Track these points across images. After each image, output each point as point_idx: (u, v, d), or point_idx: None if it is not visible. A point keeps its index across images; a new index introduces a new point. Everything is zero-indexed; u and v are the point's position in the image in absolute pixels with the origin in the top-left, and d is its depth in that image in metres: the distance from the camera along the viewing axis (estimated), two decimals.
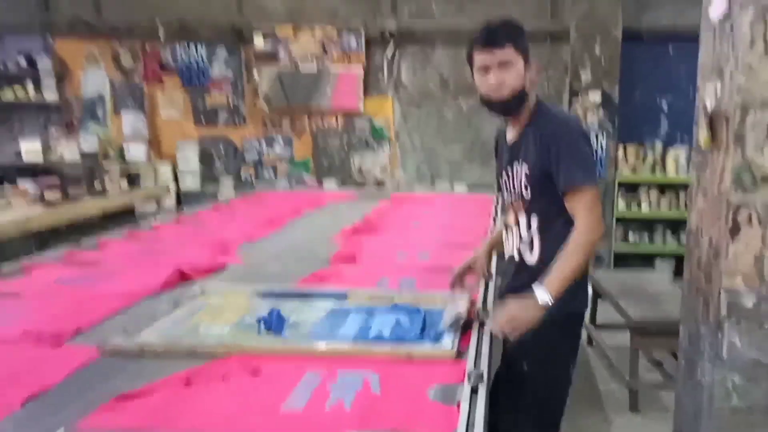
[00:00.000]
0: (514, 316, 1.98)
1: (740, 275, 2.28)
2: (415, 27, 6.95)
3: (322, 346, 1.90)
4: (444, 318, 2.07)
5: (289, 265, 3.01)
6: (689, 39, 6.67)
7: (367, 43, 6.99)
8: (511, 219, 2.27)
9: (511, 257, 2.31)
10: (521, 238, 2.22)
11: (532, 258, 2.21)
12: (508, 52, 2.04)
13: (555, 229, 2.12)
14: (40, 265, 2.92)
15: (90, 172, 4.97)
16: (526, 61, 2.08)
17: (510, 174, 2.23)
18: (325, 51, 6.98)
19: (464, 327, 2.08)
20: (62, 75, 7.04)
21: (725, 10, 2.27)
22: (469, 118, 7.10)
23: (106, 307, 2.23)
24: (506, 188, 2.28)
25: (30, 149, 5.23)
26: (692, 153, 2.66)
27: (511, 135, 2.26)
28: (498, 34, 2.05)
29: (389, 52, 7.03)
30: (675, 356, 4.14)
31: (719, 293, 2.32)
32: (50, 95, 6.93)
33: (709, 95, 2.37)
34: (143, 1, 6.74)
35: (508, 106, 2.12)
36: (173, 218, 4.11)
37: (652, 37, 6.80)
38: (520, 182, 2.17)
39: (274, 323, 2.04)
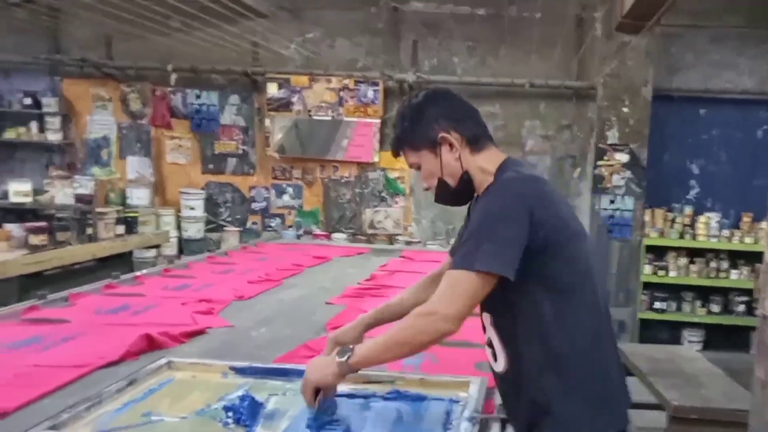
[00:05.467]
0: (309, 370, 1.68)
1: None
2: (435, 80, 6.71)
3: None
4: None
5: (279, 331, 2.64)
6: (721, 102, 6.63)
7: (385, 94, 6.75)
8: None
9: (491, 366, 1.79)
10: (487, 342, 1.74)
11: (498, 366, 1.69)
12: (410, 156, 1.76)
13: (517, 328, 1.62)
14: None
15: (82, 216, 4.67)
16: (434, 145, 1.70)
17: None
18: (340, 101, 6.74)
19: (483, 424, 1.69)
20: (68, 116, 6.86)
21: None
22: None
23: (45, 382, 1.84)
24: None
25: (18, 190, 4.95)
26: None
27: None
28: (393, 145, 1.79)
29: None
30: None
31: None
32: (54, 136, 6.73)
33: None
34: (155, 46, 6.54)
35: (458, 199, 1.77)
36: (160, 270, 3.75)
37: (683, 99, 6.53)
38: None
39: (245, 414, 1.66)
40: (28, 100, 6.75)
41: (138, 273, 3.57)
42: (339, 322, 2.76)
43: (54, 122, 6.76)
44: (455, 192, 1.74)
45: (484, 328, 1.74)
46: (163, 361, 2.01)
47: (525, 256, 1.52)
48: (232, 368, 2.01)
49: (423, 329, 1.54)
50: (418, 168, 1.76)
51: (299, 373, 2.01)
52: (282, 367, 2.06)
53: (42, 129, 6.78)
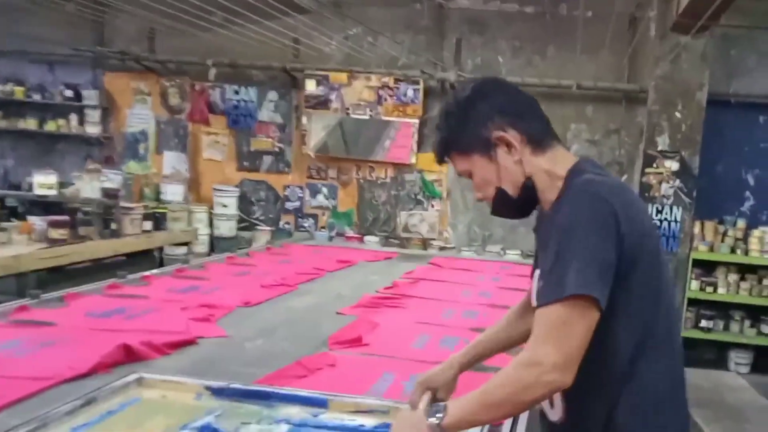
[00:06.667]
0: (396, 428, 1.40)
1: None
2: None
3: None
4: None
5: (277, 344, 2.47)
6: None
7: (425, 93, 6.55)
8: None
9: (541, 411, 1.52)
10: None
11: (554, 414, 1.44)
12: (459, 163, 1.48)
13: (584, 375, 1.28)
14: None
15: (106, 211, 4.61)
16: (488, 148, 1.43)
17: (532, 278, 1.50)
18: (379, 100, 6.57)
19: None
20: (108, 109, 6.89)
21: None
22: None
23: None
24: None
25: (42, 183, 4.94)
26: None
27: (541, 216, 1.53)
28: (437, 149, 1.52)
29: None
30: None
31: None
32: (93, 129, 6.77)
33: None
34: (197, 42, 6.48)
35: (519, 210, 1.49)
36: (172, 270, 3.64)
37: (742, 105, 6.14)
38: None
39: None
40: (69, 93, 6.81)
41: (147, 273, 3.46)
42: (342, 336, 2.59)
43: (94, 115, 6.81)
44: (516, 202, 1.46)
45: None
46: (134, 376, 1.85)
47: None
48: (208, 388, 1.84)
49: (529, 384, 1.24)
50: (469, 176, 1.48)
51: (281, 397, 1.84)
52: (263, 389, 1.88)
53: (82, 122, 6.83)
